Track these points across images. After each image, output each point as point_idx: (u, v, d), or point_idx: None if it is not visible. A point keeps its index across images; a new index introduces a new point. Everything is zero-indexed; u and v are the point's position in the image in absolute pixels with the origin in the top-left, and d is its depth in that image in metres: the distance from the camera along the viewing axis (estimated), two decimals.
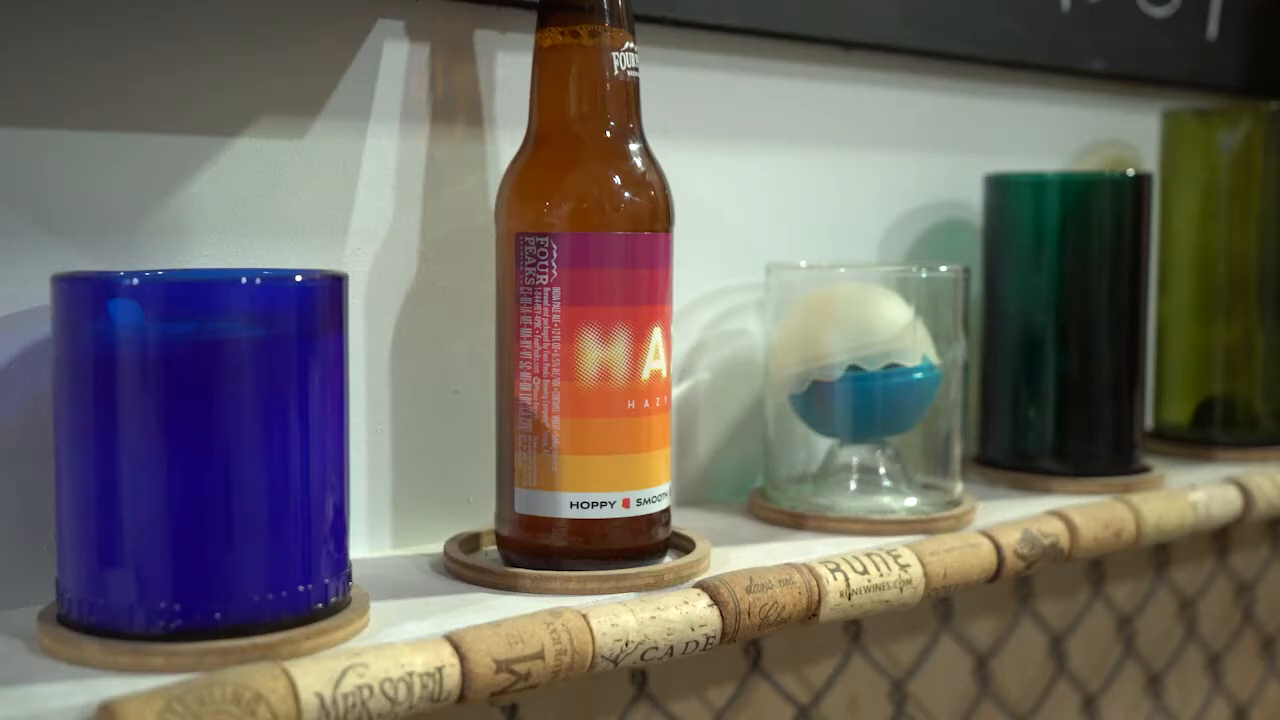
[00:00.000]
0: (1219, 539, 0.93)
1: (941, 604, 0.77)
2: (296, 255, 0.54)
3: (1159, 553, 0.90)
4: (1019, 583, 0.82)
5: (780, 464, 0.66)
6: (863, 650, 0.74)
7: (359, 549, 0.57)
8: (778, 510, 0.63)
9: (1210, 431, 0.81)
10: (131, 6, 0.50)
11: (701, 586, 0.51)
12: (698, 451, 0.68)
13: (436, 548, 0.58)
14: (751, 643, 0.68)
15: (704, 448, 0.68)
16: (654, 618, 0.49)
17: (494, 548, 0.56)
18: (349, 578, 0.48)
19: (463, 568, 0.53)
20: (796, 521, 0.62)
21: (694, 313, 0.67)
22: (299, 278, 0.46)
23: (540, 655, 0.46)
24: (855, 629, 0.73)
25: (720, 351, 0.68)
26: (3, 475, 0.48)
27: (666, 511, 0.55)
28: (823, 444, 0.65)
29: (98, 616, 0.43)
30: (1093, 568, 0.86)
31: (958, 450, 0.65)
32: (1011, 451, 0.73)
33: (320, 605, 0.45)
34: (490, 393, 0.57)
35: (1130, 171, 0.73)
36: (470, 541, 0.57)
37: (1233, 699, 0.97)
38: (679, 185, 0.57)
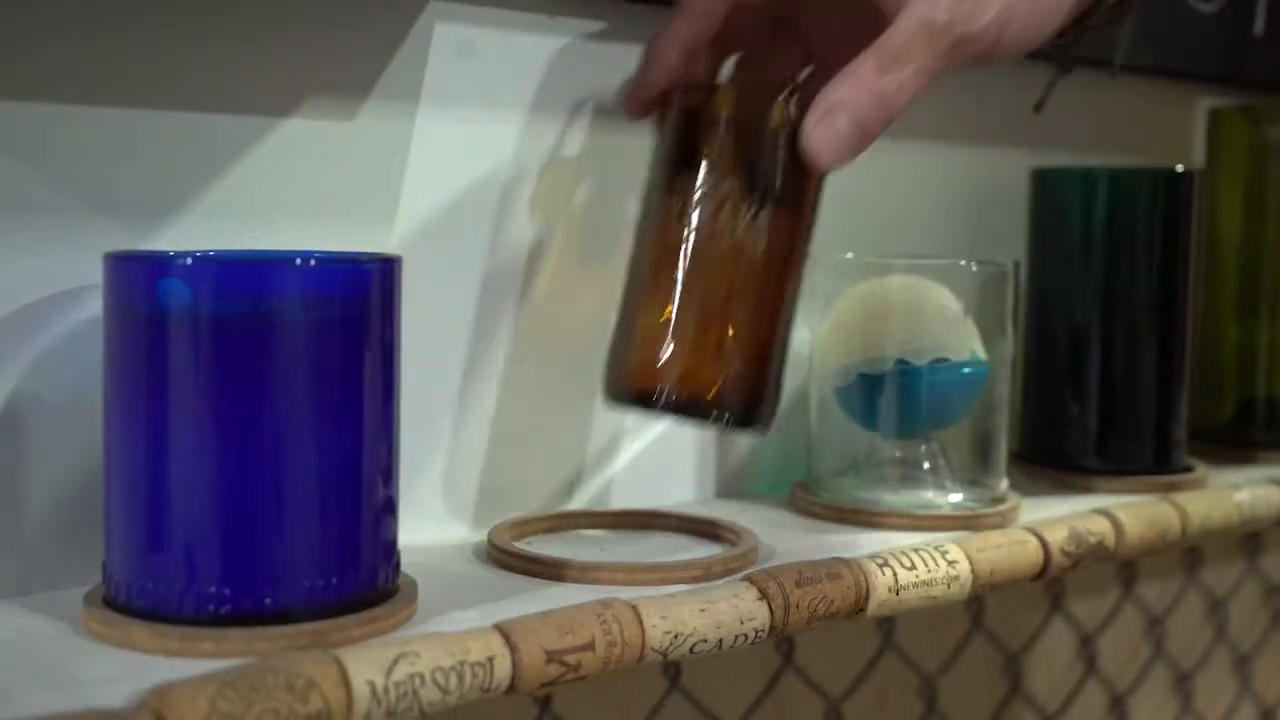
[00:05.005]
0: (1250, 540, 0.93)
1: (974, 601, 0.77)
2: (343, 236, 0.54)
3: (1190, 553, 0.89)
4: (1050, 581, 0.81)
5: (823, 457, 0.65)
6: (894, 646, 0.73)
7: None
8: (821, 504, 0.62)
9: (1251, 431, 0.81)
10: None
11: (750, 580, 0.50)
12: (739, 443, 0.67)
13: (474, 536, 0.57)
14: (784, 637, 0.68)
15: (745, 439, 0.68)
16: (704, 610, 0.48)
17: (535, 536, 0.56)
18: (398, 565, 0.47)
19: (508, 556, 0.53)
20: (840, 516, 0.61)
21: None
22: (354, 260, 0.45)
23: (590, 646, 0.45)
24: (888, 625, 0.72)
25: None
26: (51, 455, 0.48)
27: None
28: (865, 438, 0.65)
29: (146, 600, 0.43)
30: (1124, 567, 0.85)
31: (1003, 446, 0.64)
32: (1052, 448, 0.72)
33: (370, 592, 0.45)
34: (527, 387, 0.56)
35: (1180, 167, 0.72)
36: (512, 530, 0.56)
37: (1260, 701, 0.97)
38: None
